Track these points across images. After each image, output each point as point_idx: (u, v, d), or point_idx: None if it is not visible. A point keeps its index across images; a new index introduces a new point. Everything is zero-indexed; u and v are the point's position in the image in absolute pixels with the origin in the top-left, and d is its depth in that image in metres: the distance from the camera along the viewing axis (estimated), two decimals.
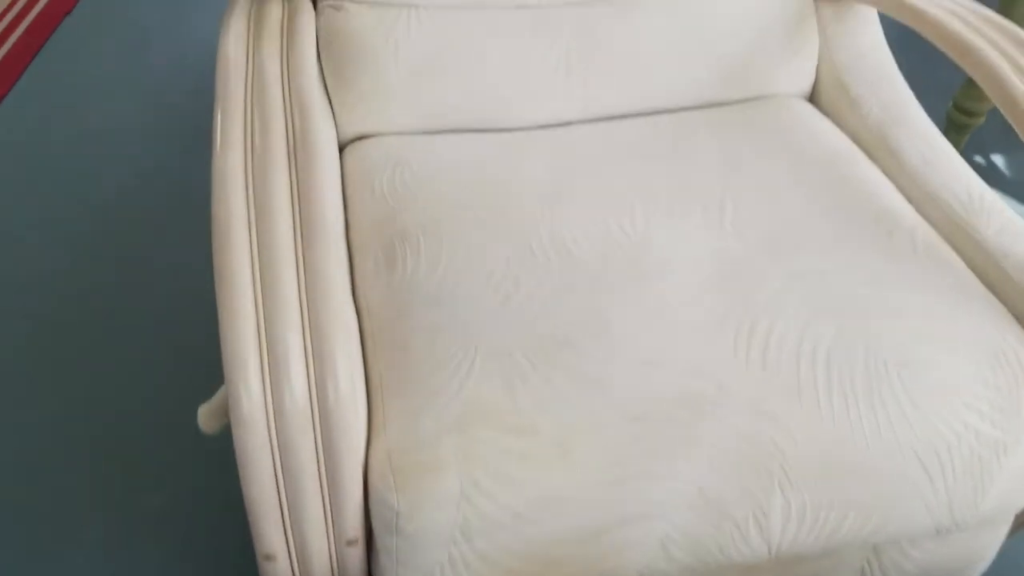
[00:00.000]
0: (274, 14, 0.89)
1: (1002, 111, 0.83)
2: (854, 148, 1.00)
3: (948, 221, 0.89)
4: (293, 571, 0.68)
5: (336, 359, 0.63)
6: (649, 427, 0.70)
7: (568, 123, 1.05)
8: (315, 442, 0.64)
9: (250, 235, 0.65)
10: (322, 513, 0.66)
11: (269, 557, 0.66)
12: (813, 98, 1.12)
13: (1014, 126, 0.82)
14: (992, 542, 0.86)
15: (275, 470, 0.64)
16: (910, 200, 0.93)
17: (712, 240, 0.84)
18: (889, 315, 0.77)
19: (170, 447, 1.18)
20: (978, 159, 1.74)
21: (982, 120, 1.61)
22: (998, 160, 1.69)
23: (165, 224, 1.52)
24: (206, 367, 1.21)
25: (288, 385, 0.62)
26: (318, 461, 0.65)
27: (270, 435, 0.62)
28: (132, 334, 1.33)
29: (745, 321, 0.76)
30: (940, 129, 1.00)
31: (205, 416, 0.78)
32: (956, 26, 0.91)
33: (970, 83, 1.59)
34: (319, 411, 0.63)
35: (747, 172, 0.93)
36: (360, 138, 1.00)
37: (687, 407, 0.71)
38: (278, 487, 0.64)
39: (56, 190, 1.59)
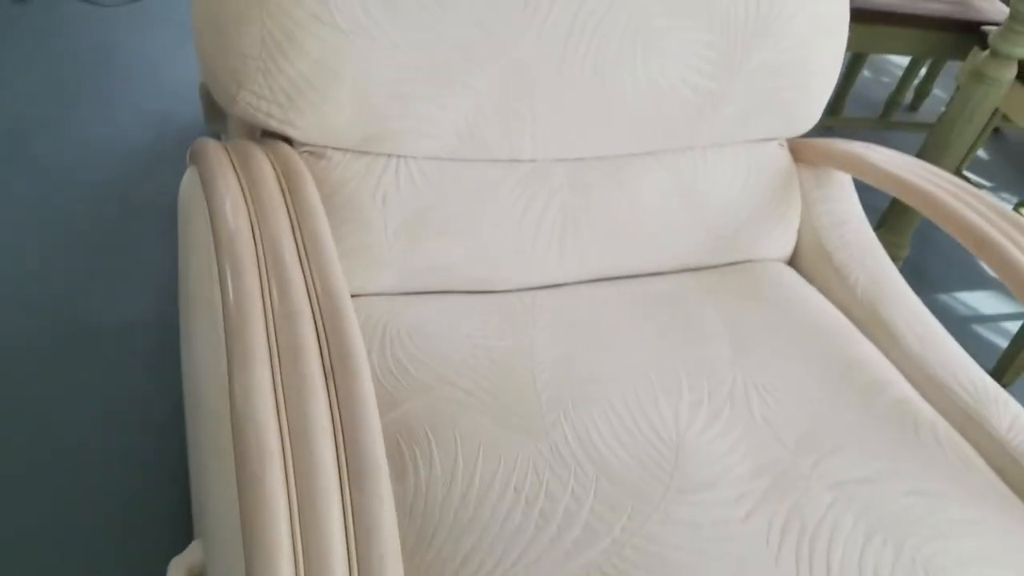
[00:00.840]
0: (265, 170, 0.77)
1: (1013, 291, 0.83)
2: (847, 322, 0.98)
3: (958, 411, 0.88)
4: None
5: None
6: None
7: (563, 284, 0.98)
8: None
9: (286, 476, 0.53)
10: None
11: None
12: (794, 261, 1.10)
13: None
14: None
15: None
16: (912, 383, 0.92)
17: (749, 441, 0.78)
18: (939, 533, 0.74)
19: None
20: None
21: (899, 264, 1.68)
22: None
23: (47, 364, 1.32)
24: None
25: None
26: None
27: None
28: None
29: (804, 543, 0.70)
30: None
31: None
32: (957, 206, 0.92)
33: (886, 230, 1.65)
34: None
35: (757, 353, 0.89)
36: None
37: None
38: None
39: None
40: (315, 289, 0.63)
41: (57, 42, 2.03)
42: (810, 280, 1.06)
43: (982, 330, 1.67)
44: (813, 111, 1.05)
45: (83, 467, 1.16)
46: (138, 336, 1.36)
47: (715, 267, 1.05)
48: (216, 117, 1.55)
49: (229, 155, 0.84)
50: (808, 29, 0.99)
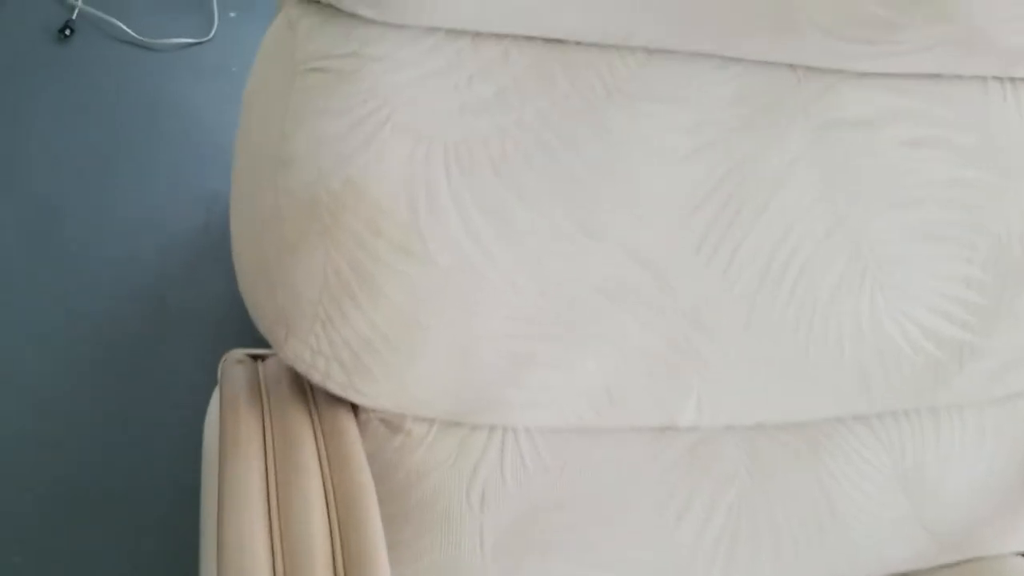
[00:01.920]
0: (313, 485, 0.50)
1: None
2: None
3: None
4: None
5: None
6: None
7: None
8: None
9: None
10: None
11: None
12: None
13: None
14: None
15: None
16: None
17: None
18: None
19: None
20: None
21: None
22: None
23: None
24: None
25: None
26: None
27: None
28: None
29: None
30: None
31: None
32: None
33: None
34: None
35: None
36: None
37: None
38: None
39: None
40: None
41: (99, 90, 1.78)
42: None
43: None
44: None
45: None
46: (163, 503, 1.10)
47: (931, 571, 0.75)
48: None
49: (264, 423, 0.58)
50: None
